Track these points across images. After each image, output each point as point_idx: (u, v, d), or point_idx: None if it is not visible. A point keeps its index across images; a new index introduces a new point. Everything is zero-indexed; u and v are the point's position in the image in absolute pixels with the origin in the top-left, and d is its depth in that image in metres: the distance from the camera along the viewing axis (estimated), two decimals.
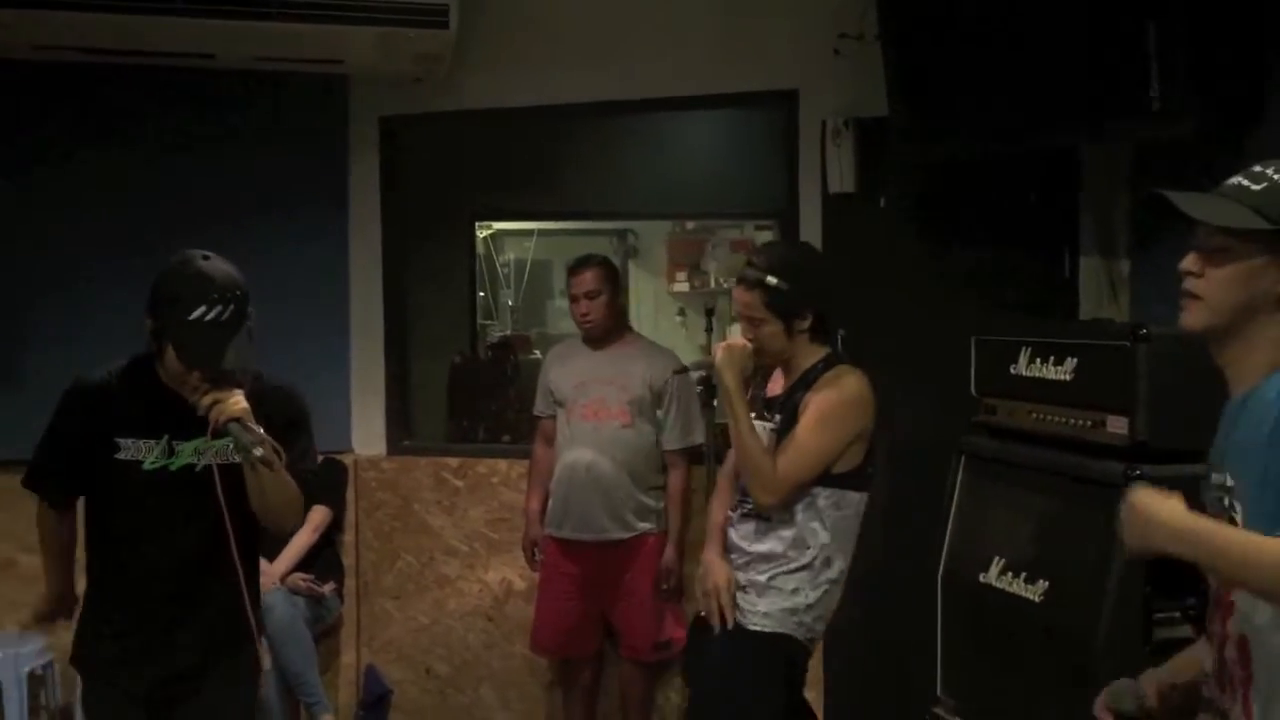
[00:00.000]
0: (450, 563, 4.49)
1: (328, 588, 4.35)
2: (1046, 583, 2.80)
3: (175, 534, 2.53)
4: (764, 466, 2.88)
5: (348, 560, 4.52)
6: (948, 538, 3.20)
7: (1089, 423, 2.78)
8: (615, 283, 4.21)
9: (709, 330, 4.20)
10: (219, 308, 2.36)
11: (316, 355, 4.41)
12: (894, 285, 3.91)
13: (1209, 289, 1.68)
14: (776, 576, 2.94)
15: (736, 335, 3.00)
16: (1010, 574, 2.91)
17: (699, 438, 4.09)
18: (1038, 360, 2.95)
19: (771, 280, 2.91)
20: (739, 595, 2.97)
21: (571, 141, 5.83)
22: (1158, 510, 1.65)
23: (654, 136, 5.98)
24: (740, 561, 2.99)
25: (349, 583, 4.50)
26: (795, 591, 2.94)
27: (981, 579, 2.99)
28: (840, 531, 2.98)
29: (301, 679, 4.13)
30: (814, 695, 4.08)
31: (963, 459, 3.21)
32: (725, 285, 8.08)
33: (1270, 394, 1.62)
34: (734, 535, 3.03)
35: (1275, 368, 1.67)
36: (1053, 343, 2.92)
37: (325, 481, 4.39)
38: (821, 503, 2.94)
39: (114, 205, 4.25)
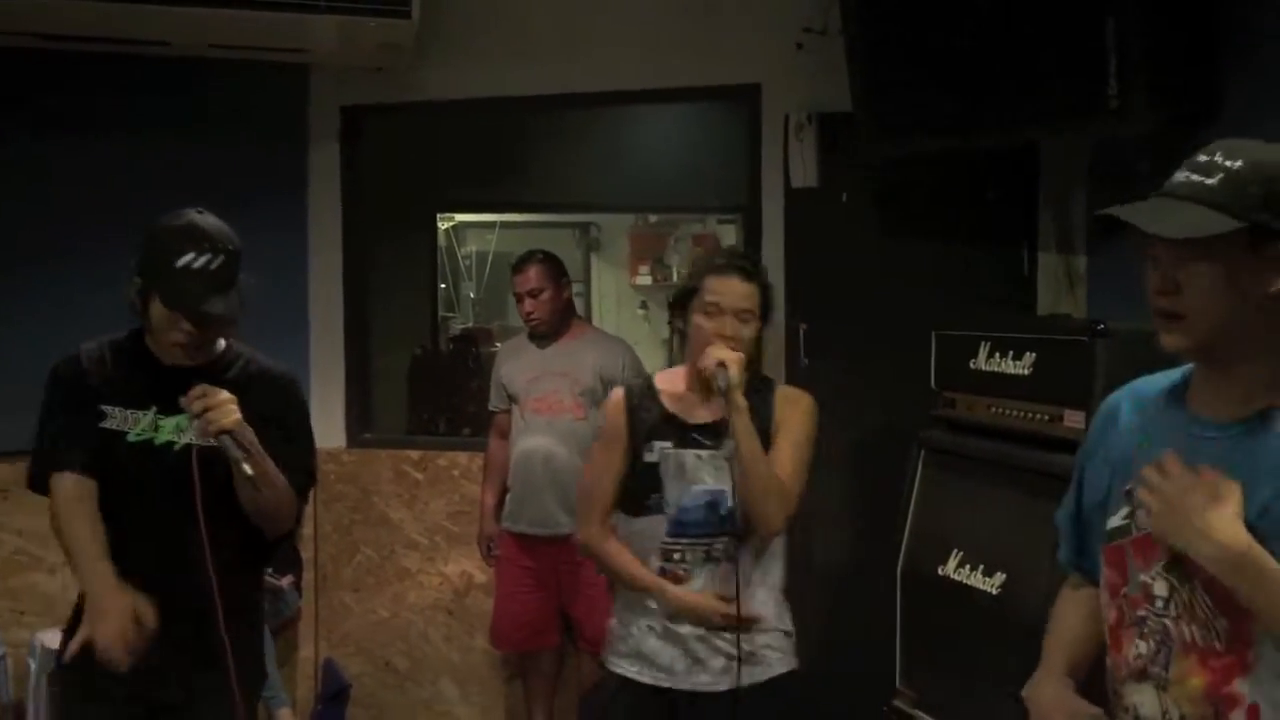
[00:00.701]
0: (410, 556, 4.47)
1: (285, 581, 4.32)
2: (1004, 575, 2.83)
3: (156, 515, 2.36)
4: (780, 487, 2.57)
5: (306, 553, 4.48)
6: (907, 530, 3.22)
7: (1047, 417, 2.81)
8: (559, 277, 4.19)
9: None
10: (208, 255, 2.29)
11: (275, 346, 4.31)
12: (855, 279, 3.93)
13: (1189, 304, 1.48)
14: (771, 604, 2.67)
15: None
16: (968, 566, 2.94)
17: None
18: (997, 355, 2.98)
19: (764, 271, 2.68)
20: (757, 639, 2.62)
21: (534, 134, 5.81)
22: (1213, 522, 1.44)
23: (617, 130, 5.97)
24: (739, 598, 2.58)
25: (307, 576, 4.47)
26: (780, 617, 2.70)
27: (940, 571, 3.02)
28: None
29: None
30: None
31: (922, 452, 3.23)
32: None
33: None
34: (720, 579, 2.59)
35: None
36: (1012, 337, 2.95)
37: None
38: None
39: (69, 194, 4.18)
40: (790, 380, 4.05)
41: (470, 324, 7.50)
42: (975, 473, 3.03)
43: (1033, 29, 3.07)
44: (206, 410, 2.25)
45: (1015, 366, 2.92)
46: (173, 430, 2.38)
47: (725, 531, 2.59)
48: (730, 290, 2.60)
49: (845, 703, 3.76)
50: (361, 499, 4.49)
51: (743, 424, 2.51)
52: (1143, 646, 1.58)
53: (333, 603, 4.52)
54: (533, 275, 4.11)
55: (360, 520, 4.50)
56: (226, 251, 2.32)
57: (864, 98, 3.50)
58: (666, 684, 2.62)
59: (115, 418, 2.39)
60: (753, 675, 2.60)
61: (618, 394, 2.77)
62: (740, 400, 2.51)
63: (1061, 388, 2.77)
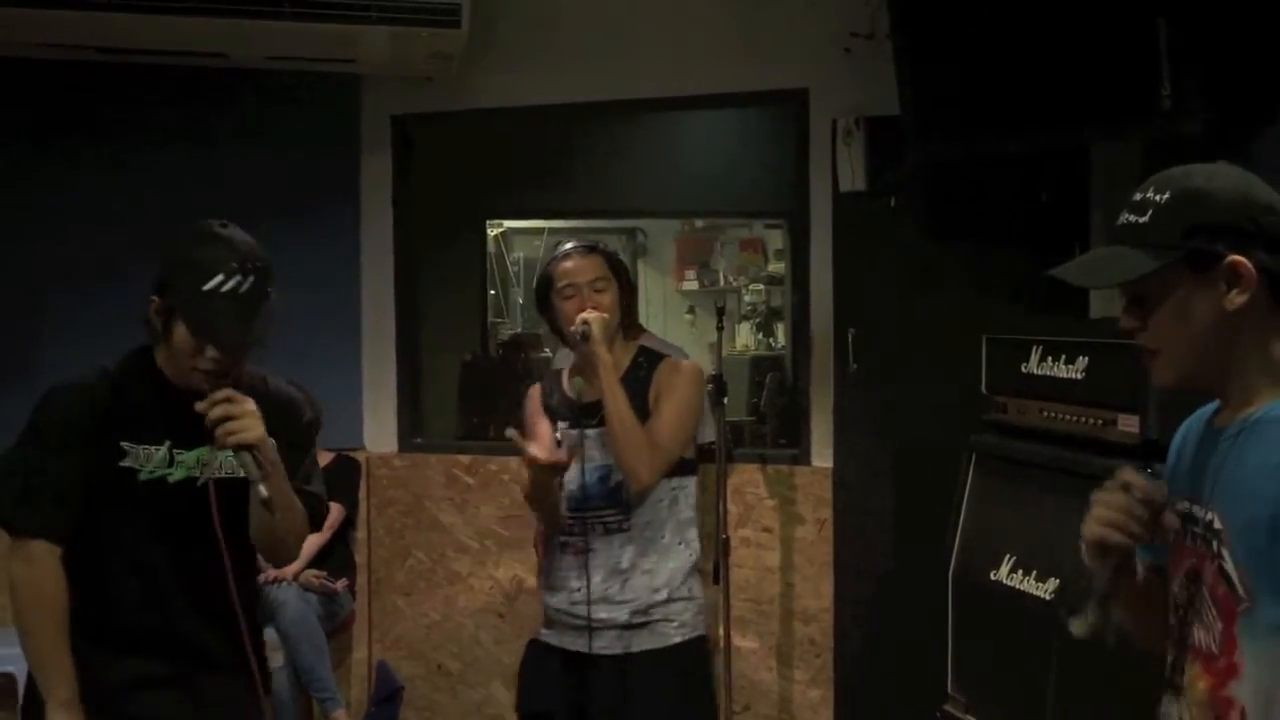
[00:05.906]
0: (461, 560, 4.51)
1: (340, 584, 4.38)
2: (1057, 580, 2.81)
3: (168, 561, 2.17)
4: (643, 439, 2.73)
5: (359, 557, 4.53)
6: (958, 536, 3.21)
7: (1100, 421, 2.79)
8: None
9: (720, 328, 4.18)
10: (238, 278, 2.05)
11: (328, 353, 4.42)
12: (905, 284, 3.92)
13: (1158, 339, 1.54)
14: (663, 573, 2.84)
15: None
16: (1021, 572, 2.92)
17: (710, 435, 4.10)
18: (1049, 359, 2.96)
19: (603, 245, 2.87)
20: (650, 613, 2.82)
21: (582, 140, 5.84)
22: None
23: (664, 135, 5.99)
24: (632, 575, 2.80)
25: (361, 579, 4.52)
26: (682, 586, 2.84)
27: (992, 576, 3.00)
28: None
29: (314, 674, 4.15)
30: (823, 693, 4.10)
31: (973, 457, 3.22)
32: (734, 283, 8.11)
33: None
34: (616, 558, 2.80)
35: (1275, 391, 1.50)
36: (1064, 341, 2.93)
37: (338, 479, 4.42)
38: (692, 489, 2.89)
39: (126, 204, 4.27)
40: (839, 387, 4.06)
41: (519, 329, 7.55)
42: (1027, 477, 3.02)
43: (1083, 29, 3.05)
44: (228, 418, 2.03)
45: (1068, 370, 2.90)
46: (194, 464, 2.17)
47: (614, 504, 2.79)
48: (576, 268, 2.82)
49: (897, 708, 3.75)
50: (413, 503, 4.54)
51: (606, 375, 2.71)
52: (1171, 655, 1.59)
53: (385, 605, 4.56)
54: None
55: (412, 524, 4.54)
56: (256, 270, 2.09)
57: (912, 101, 3.49)
58: (573, 648, 2.84)
59: (132, 455, 2.15)
60: (647, 642, 2.78)
61: (535, 387, 3.00)
62: (603, 353, 2.71)
63: (1115, 392, 2.75)
